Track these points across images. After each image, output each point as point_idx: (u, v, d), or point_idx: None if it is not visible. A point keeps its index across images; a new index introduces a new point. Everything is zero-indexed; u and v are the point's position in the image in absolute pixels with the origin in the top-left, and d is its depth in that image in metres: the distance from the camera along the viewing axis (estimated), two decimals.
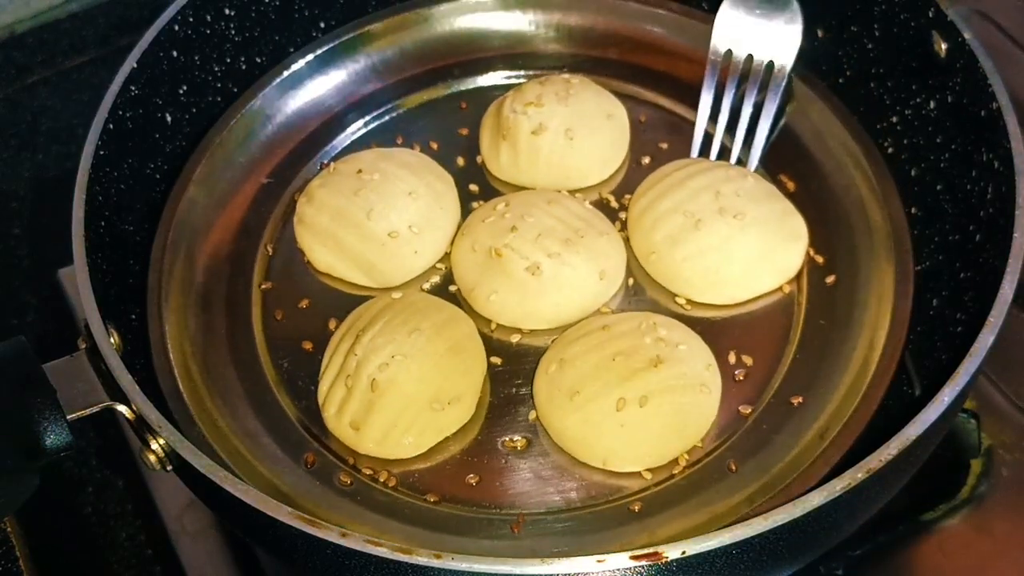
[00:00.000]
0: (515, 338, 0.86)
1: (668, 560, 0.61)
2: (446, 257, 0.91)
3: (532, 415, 0.82)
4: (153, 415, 0.69)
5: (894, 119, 0.93)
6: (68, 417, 0.70)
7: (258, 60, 1.01)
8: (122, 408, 0.71)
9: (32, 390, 0.70)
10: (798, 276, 0.88)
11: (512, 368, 0.84)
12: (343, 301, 0.88)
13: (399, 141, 0.99)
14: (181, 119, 0.95)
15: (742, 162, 0.95)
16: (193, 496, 0.76)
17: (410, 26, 1.04)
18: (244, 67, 1.00)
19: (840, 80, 0.97)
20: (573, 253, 0.85)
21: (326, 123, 1.01)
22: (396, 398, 0.78)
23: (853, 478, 0.64)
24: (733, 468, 0.78)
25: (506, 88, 1.00)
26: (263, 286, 0.90)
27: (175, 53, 0.93)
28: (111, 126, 0.85)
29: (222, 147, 0.96)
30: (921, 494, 0.86)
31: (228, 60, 0.99)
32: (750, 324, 0.86)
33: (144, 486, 0.93)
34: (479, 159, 0.97)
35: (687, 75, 1.00)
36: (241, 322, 0.88)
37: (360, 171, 0.91)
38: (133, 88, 0.88)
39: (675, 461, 0.79)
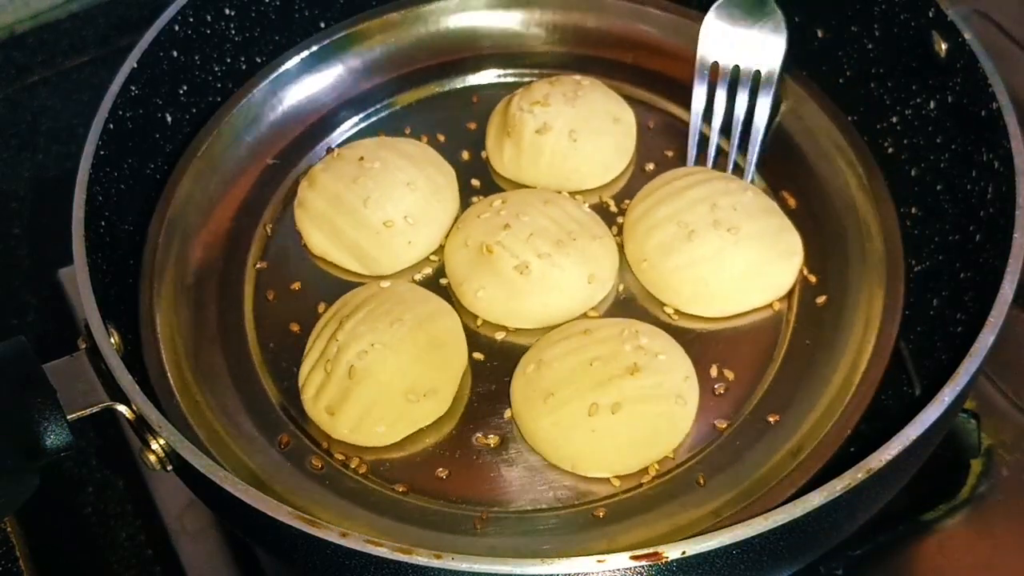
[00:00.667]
0: (500, 335, 0.86)
1: (668, 560, 0.61)
2: (440, 250, 0.91)
3: (508, 414, 0.81)
4: (153, 415, 0.69)
5: (894, 119, 0.92)
6: (68, 417, 0.70)
7: (258, 60, 1.01)
8: (122, 408, 0.71)
9: (32, 390, 0.70)
10: (789, 294, 0.87)
11: (494, 365, 0.84)
12: (335, 286, 0.88)
13: (407, 131, 0.99)
14: (181, 119, 0.95)
15: (739, 166, 0.94)
16: (193, 496, 0.76)
17: (411, 23, 1.04)
18: (244, 67, 1.00)
19: (840, 80, 0.97)
20: (563, 255, 0.85)
21: (345, 100, 1.02)
22: (371, 386, 0.79)
23: (853, 478, 0.64)
24: (701, 482, 0.77)
25: (521, 85, 1.00)
26: (258, 265, 0.91)
27: (175, 53, 0.93)
28: (111, 126, 0.85)
29: (221, 137, 0.96)
30: (921, 494, 0.86)
31: (228, 60, 0.99)
32: (736, 339, 0.85)
33: (144, 486, 0.93)
34: (484, 154, 0.97)
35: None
36: (232, 300, 0.89)
37: (362, 158, 0.91)
38: (133, 88, 0.88)
39: (645, 470, 0.78)
